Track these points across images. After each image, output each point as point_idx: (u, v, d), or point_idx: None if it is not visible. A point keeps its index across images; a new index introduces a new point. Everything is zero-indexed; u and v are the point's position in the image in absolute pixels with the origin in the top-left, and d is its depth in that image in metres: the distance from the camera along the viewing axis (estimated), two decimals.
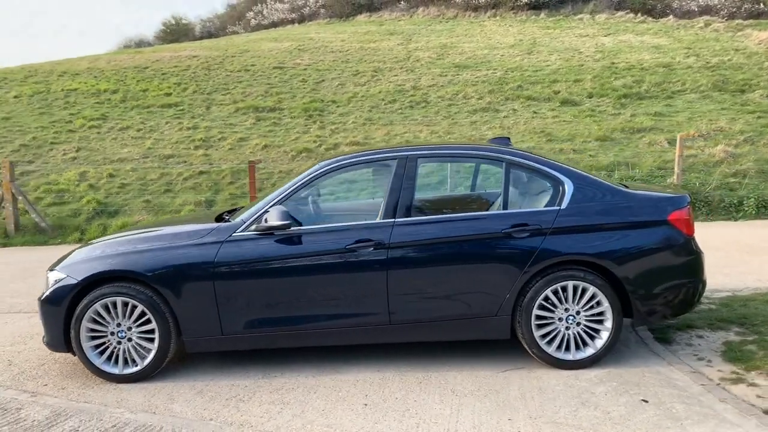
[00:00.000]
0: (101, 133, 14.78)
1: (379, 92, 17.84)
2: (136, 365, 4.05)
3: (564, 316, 4.04)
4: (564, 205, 4.08)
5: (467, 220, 4.10)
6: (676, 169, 9.95)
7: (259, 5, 40.56)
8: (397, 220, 4.05)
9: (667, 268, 4.10)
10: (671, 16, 27.51)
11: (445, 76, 19.41)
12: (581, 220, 4.05)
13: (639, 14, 28.53)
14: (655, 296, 4.08)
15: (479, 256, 4.00)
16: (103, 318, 4.02)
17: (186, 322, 4.00)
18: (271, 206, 4.07)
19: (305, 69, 21.23)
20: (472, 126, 14.48)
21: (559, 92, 16.34)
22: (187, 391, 3.92)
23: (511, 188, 4.19)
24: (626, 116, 14.26)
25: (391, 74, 20.00)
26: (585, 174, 4.27)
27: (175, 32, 44.55)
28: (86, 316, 3.99)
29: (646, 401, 3.56)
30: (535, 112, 15.26)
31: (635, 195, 4.21)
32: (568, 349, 4.05)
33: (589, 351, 4.06)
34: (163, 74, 21.33)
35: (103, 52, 31.66)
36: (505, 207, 4.12)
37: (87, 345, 4.03)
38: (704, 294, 4.37)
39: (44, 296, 4.09)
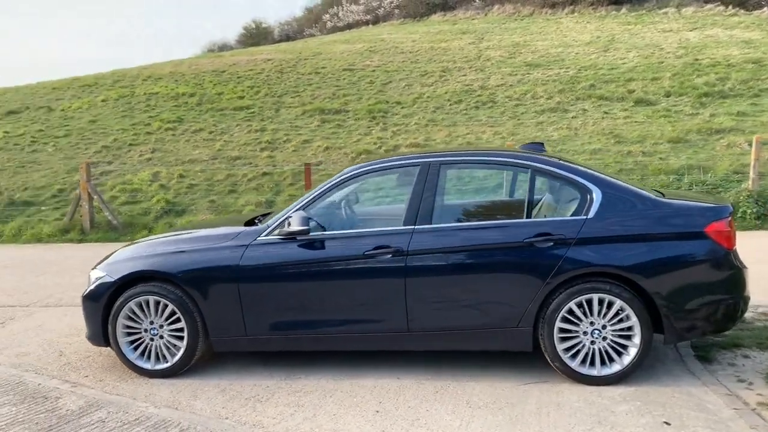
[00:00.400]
0: (176, 135, 15.49)
1: (446, 93, 17.74)
2: (167, 362, 4.24)
3: (589, 330, 3.88)
4: (591, 215, 3.92)
5: (489, 228, 4.01)
6: (751, 173, 9.32)
7: (335, 7, 41.26)
8: (416, 227, 4.02)
9: (703, 284, 3.86)
10: (766, 9, 25.75)
11: (515, 75, 19.04)
12: (608, 230, 3.87)
13: (730, 7, 26.88)
14: (689, 312, 3.85)
15: (500, 265, 3.91)
16: (137, 315, 4.23)
17: (212, 322, 4.15)
18: (294, 211, 4.15)
19: (374, 70, 21.40)
20: (537, 127, 14.13)
21: (633, 91, 15.67)
22: (212, 389, 4.06)
23: (536, 196, 4.08)
24: (705, 116, 13.48)
25: (459, 74, 19.83)
26: (615, 181, 4.08)
27: (255, 36, 45.97)
28: (122, 313, 4.22)
29: (669, 424, 3.36)
30: (606, 113, 14.70)
31: (670, 204, 3.99)
32: (593, 364, 3.89)
33: (616, 367, 3.88)
34: (238, 78, 22.10)
35: (186, 57, 33.16)
36: (528, 215, 4.00)
37: (123, 340, 4.25)
38: (760, 311, 4.08)
39: (86, 293, 4.35)
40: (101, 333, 4.28)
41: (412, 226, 4.02)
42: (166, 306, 4.18)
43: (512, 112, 15.39)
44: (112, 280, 4.23)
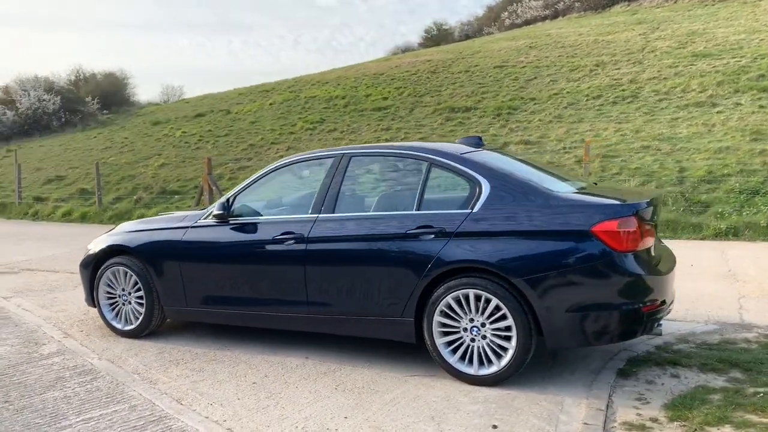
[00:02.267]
0: (312, 135, 16.77)
1: (588, 88, 16.80)
2: (131, 324, 4.93)
3: (469, 326, 3.77)
4: (476, 209, 3.78)
5: (379, 219, 4.06)
6: None
7: (514, 4, 40.57)
8: (320, 215, 4.22)
9: (586, 287, 3.52)
10: None
11: (675, 67, 17.34)
12: (489, 225, 3.71)
13: None
14: (570, 318, 3.54)
15: (386, 255, 3.95)
16: (113, 283, 4.99)
17: (163, 293, 4.74)
18: (224, 198, 4.60)
19: (524, 67, 20.91)
20: (669, 123, 12.84)
21: None
22: (153, 350, 4.61)
23: (430, 189, 4.03)
24: None
25: (612, 68, 18.58)
26: (510, 175, 3.87)
27: (436, 38, 46.93)
28: (102, 280, 5.01)
29: (496, 427, 3.20)
30: (761, 107, 12.85)
31: (564, 200, 3.69)
32: (473, 362, 3.77)
33: (493, 368, 3.70)
34: (392, 79, 23.05)
35: (362, 60, 35.14)
36: (418, 207, 3.98)
37: (103, 303, 5.05)
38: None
39: (81, 262, 5.24)
40: (90, 296, 5.13)
41: (317, 215, 4.24)
42: (131, 276, 4.89)
43: (649, 108, 14.13)
44: (95, 252, 5.07)
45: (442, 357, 3.83)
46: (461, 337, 3.80)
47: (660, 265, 3.87)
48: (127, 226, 5.21)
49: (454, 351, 3.81)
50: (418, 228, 3.84)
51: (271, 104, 22.31)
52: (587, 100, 15.76)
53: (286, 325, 4.39)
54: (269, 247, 4.31)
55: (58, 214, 13.90)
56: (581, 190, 3.99)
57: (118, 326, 5.00)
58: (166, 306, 4.78)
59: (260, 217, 4.48)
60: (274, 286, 4.33)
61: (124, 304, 4.98)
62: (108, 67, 50.07)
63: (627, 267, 3.49)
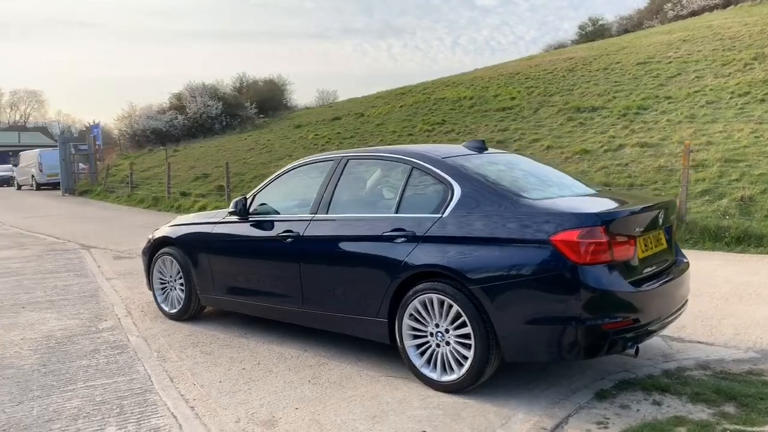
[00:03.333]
0: (431, 135, 16.93)
1: (736, 84, 15.18)
2: (174, 308, 5.50)
3: (434, 331, 3.75)
4: (446, 213, 3.74)
5: (361, 220, 4.14)
6: None
7: None
8: (315, 215, 4.42)
9: (542, 299, 3.34)
10: None
11: None
12: (455, 230, 3.65)
13: None
14: (526, 329, 3.39)
15: (364, 256, 4.04)
16: (164, 270, 5.60)
17: (197, 281, 5.24)
18: (247, 195, 4.97)
19: (670, 62, 19.38)
20: None
21: None
22: (185, 333, 5.14)
23: (411, 192, 4.04)
24: None
25: None
26: (481, 179, 3.77)
27: (591, 34, 44.70)
28: (156, 267, 5.64)
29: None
30: None
31: (530, 206, 3.51)
32: (440, 367, 3.75)
33: (453, 376, 3.65)
34: (526, 78, 22.51)
35: (503, 60, 34.53)
36: (397, 210, 4.02)
37: (155, 287, 5.69)
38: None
39: (142, 249, 5.93)
40: (148, 281, 5.80)
41: (313, 215, 4.44)
42: (175, 265, 5.45)
43: None
44: (151, 241, 5.72)
45: (410, 360, 3.85)
46: (428, 342, 3.79)
47: (647, 279, 3.55)
48: (179, 219, 5.80)
49: (422, 354, 3.82)
50: (393, 231, 3.90)
51: (401, 107, 22.84)
52: (731, 98, 14.24)
53: (285, 318, 4.65)
54: (274, 244, 4.59)
55: (195, 208, 15.48)
56: (573, 197, 3.80)
57: (166, 309, 5.60)
58: (200, 293, 5.27)
59: (270, 216, 4.77)
60: (276, 281, 4.61)
61: (171, 290, 5.56)
62: (277, 73, 53.81)
63: (586, 280, 3.26)
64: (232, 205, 4.92)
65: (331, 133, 20.50)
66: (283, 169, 4.98)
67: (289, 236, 4.47)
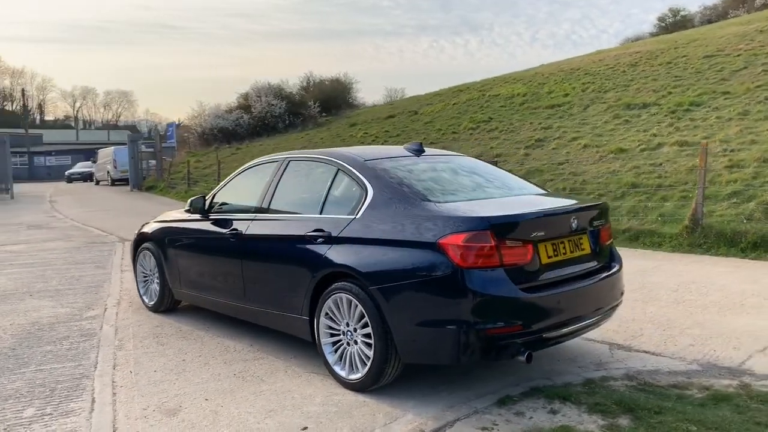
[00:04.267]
0: (474, 134, 16.76)
1: None
2: (153, 300, 5.82)
3: (345, 330, 3.82)
4: (359, 215, 3.80)
5: (291, 220, 4.25)
6: None
7: None
8: (257, 215, 4.58)
9: (430, 302, 3.33)
10: None
11: None
12: (363, 231, 3.68)
13: None
14: (418, 331, 3.39)
15: (291, 255, 4.13)
16: (144, 262, 5.91)
17: (168, 274, 5.52)
18: (206, 195, 5.20)
19: (738, 55, 18.26)
20: None
21: None
22: (153, 323, 5.45)
23: (335, 193, 4.11)
24: None
25: None
26: (392, 182, 3.78)
27: (672, 25, 42.59)
28: (138, 260, 5.99)
29: (305, 428, 3.27)
30: None
31: (430, 209, 3.50)
32: (352, 366, 3.81)
33: (358, 375, 3.70)
34: (585, 74, 21.80)
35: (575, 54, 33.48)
36: (321, 211, 4.10)
37: (138, 278, 6.03)
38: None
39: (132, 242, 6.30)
40: (134, 274, 6.16)
41: (255, 214, 4.60)
42: (152, 259, 5.77)
43: None
44: (135, 236, 6.07)
45: (325, 357, 3.93)
46: (341, 340, 3.86)
47: (552, 285, 3.47)
48: (162, 215, 6.12)
49: (336, 352, 3.89)
50: (314, 231, 3.98)
51: (454, 104, 22.69)
52: None
53: (233, 313, 4.83)
54: (222, 242, 4.78)
55: None
56: (487, 200, 3.77)
57: (146, 301, 5.93)
58: (171, 286, 5.55)
59: (223, 214, 4.97)
60: (225, 277, 4.80)
61: (151, 283, 5.88)
62: (344, 71, 54.59)
63: (470, 284, 3.24)
64: (188, 203, 5.17)
65: (379, 131, 20.67)
66: (240, 169, 5.17)
67: (233, 234, 4.65)
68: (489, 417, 3.36)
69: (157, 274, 5.70)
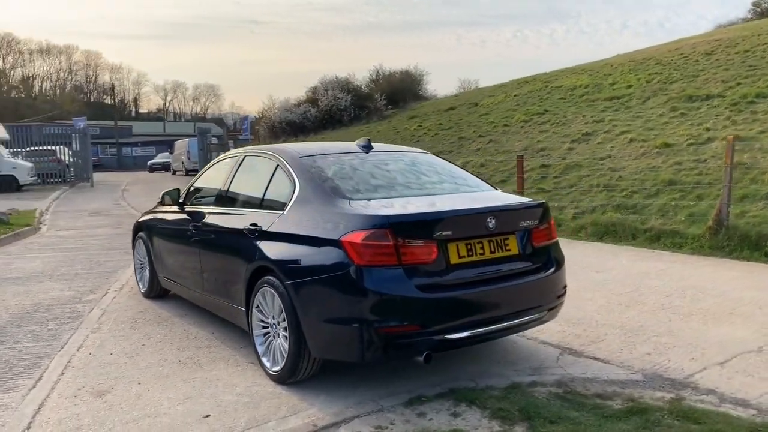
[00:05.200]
0: (524, 126, 16.33)
1: None
2: (144, 287, 6.13)
3: (272, 323, 3.89)
4: (286, 210, 3.85)
5: (235, 214, 4.34)
6: None
7: None
8: (213, 207, 4.73)
9: (332, 298, 3.33)
10: None
11: None
12: (286, 227, 3.73)
13: None
14: (323, 327, 3.40)
15: (232, 248, 4.23)
16: (139, 251, 6.22)
17: (154, 262, 5.79)
18: (179, 188, 5.41)
19: None
20: None
21: None
22: (139, 308, 5.73)
23: (271, 188, 4.16)
24: None
25: None
26: (317, 178, 3.79)
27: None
28: (136, 249, 6.31)
29: (208, 415, 3.38)
30: None
31: (339, 207, 3.49)
32: (275, 359, 3.87)
33: (278, 367, 3.77)
34: (656, 64, 20.71)
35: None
36: (259, 206, 4.18)
37: (136, 267, 6.35)
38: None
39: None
40: (134, 261, 6.50)
41: (212, 207, 4.76)
42: (143, 247, 6.06)
43: None
44: (133, 225, 6.40)
45: (256, 348, 4.02)
46: (269, 332, 3.94)
47: (461, 286, 3.39)
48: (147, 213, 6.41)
49: (264, 344, 3.97)
50: (250, 225, 4.07)
51: (515, 96, 22.16)
52: None
53: (196, 301, 5.03)
54: (186, 233, 4.96)
55: None
56: (410, 198, 3.73)
57: (140, 287, 6.25)
58: (159, 274, 5.82)
59: (189, 206, 5.15)
60: (189, 266, 5.00)
61: (144, 270, 6.19)
62: (414, 64, 54.41)
63: (365, 283, 3.22)
64: (161, 195, 5.40)
65: (433, 123, 20.53)
66: (212, 162, 5.34)
67: (195, 226, 4.82)
68: (390, 416, 3.34)
69: (147, 262, 5.98)
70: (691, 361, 4.03)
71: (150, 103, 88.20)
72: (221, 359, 4.31)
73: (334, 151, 4.33)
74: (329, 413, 3.38)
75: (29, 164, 21.09)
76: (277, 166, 4.19)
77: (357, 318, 3.24)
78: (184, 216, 5.12)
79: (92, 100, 78.23)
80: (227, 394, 3.68)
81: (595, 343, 4.42)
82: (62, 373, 4.11)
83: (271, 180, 4.20)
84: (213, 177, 5.12)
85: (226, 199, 4.66)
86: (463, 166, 13.60)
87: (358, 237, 3.25)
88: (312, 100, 32.31)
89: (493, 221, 3.54)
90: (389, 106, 32.49)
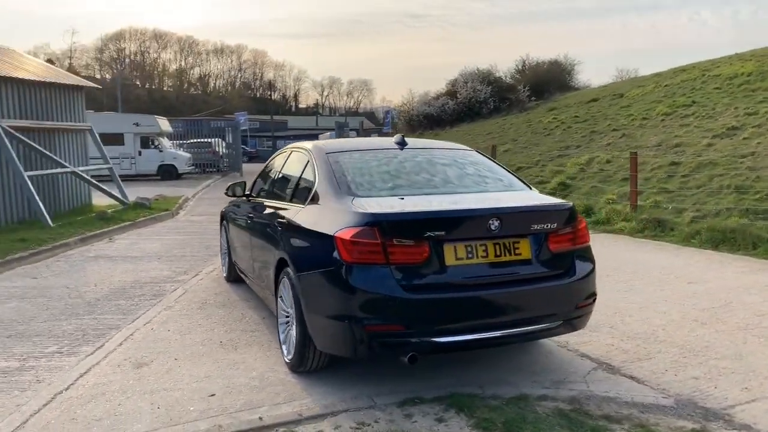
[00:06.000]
0: (665, 121, 14.99)
1: None
2: (225, 272, 6.58)
3: (290, 312, 4.01)
4: (306, 204, 3.94)
5: (273, 206, 4.51)
6: None
7: None
8: (263, 200, 4.96)
9: (325, 293, 3.35)
10: None
11: None
12: (303, 220, 3.79)
13: None
14: (318, 320, 3.44)
15: (266, 240, 4.42)
16: (222, 239, 6.68)
17: (231, 247, 6.21)
18: (245, 181, 5.72)
19: None
20: None
21: None
22: (214, 291, 6.17)
23: (301, 182, 4.26)
24: None
25: None
26: (334, 173, 3.83)
27: None
28: (221, 235, 6.79)
29: (213, 395, 3.58)
30: None
31: (342, 203, 3.49)
32: (290, 348, 3.98)
33: (290, 355, 3.89)
34: None
35: None
36: (291, 199, 4.31)
37: (222, 253, 6.84)
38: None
39: None
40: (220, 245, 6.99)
41: (263, 199, 5.00)
42: (223, 234, 6.52)
43: None
44: (220, 212, 6.88)
45: (278, 336, 4.19)
46: (288, 321, 4.08)
47: (454, 288, 3.27)
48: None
49: (285, 332, 4.11)
50: (279, 218, 4.24)
51: (666, 86, 20.40)
52: None
53: (252, 286, 5.32)
54: (245, 223, 5.27)
55: None
56: (423, 197, 3.66)
57: (222, 270, 6.73)
58: (233, 258, 6.22)
59: (253, 199, 5.43)
60: (245, 254, 5.31)
61: (226, 255, 6.65)
62: (564, 53, 52.12)
63: (352, 279, 3.21)
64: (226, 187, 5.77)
65: (569, 116, 19.53)
66: (271, 157, 5.61)
67: (248, 217, 5.12)
68: (378, 414, 3.31)
69: (227, 248, 6.43)
70: (742, 390, 3.52)
71: (308, 98, 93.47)
72: (257, 343, 4.53)
73: (365, 147, 4.35)
74: (321, 404, 3.43)
75: (188, 155, 23.39)
76: (308, 161, 4.30)
77: (345, 314, 3.26)
78: (247, 207, 5.43)
79: (257, 95, 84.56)
80: (242, 377, 3.87)
81: (640, 361, 4.02)
82: (120, 344, 4.57)
83: (301, 174, 4.33)
84: (269, 171, 5.38)
85: (272, 192, 4.89)
86: (587, 163, 12.87)
87: (348, 234, 3.26)
88: (451, 92, 32.21)
89: (497, 223, 3.35)
90: (532, 98, 31.45)
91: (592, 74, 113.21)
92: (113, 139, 22.82)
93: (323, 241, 3.45)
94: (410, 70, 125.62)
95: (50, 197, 11.31)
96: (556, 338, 4.46)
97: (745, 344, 4.24)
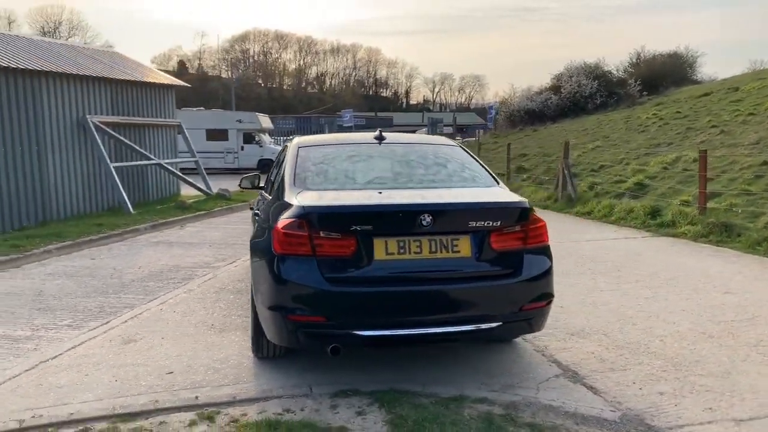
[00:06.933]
0: (746, 124, 13.60)
1: None
2: None
3: None
4: (272, 194, 4.07)
5: (263, 197, 4.69)
6: None
7: None
8: (263, 192, 5.15)
9: (263, 282, 3.44)
10: None
11: None
12: (263, 210, 3.99)
13: None
14: (260, 309, 3.55)
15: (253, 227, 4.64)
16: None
17: None
18: (258, 174, 5.92)
19: None
20: None
21: None
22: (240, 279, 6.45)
23: (278, 176, 4.36)
24: None
25: None
26: (296, 165, 3.93)
27: None
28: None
29: (171, 372, 3.79)
30: None
31: (292, 195, 3.54)
32: None
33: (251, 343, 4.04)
34: None
35: None
36: (270, 189, 4.48)
37: None
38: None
39: None
40: None
41: (262, 191, 5.18)
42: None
43: None
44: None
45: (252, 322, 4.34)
46: None
47: (376, 281, 3.25)
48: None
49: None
50: (257, 210, 4.41)
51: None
52: None
53: None
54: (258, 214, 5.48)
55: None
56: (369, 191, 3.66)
57: None
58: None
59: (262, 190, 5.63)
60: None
61: None
62: (685, 44, 48.67)
63: (278, 269, 3.28)
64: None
65: (670, 112, 18.18)
66: (280, 150, 5.78)
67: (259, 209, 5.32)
68: (308, 402, 3.35)
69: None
70: (704, 411, 3.20)
71: (419, 94, 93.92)
72: (242, 328, 4.70)
73: (342, 141, 4.40)
74: (259, 389, 3.53)
75: None
76: (285, 155, 4.42)
77: (275, 304, 3.33)
78: (258, 198, 5.65)
79: (370, 93, 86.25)
80: (207, 358, 4.06)
81: (612, 371, 3.76)
82: (125, 322, 4.93)
83: (280, 167, 4.45)
84: (274, 164, 5.56)
85: (267, 183, 5.06)
86: (672, 162, 11.95)
87: (280, 225, 3.33)
88: (555, 87, 31.04)
89: (429, 219, 3.26)
90: (644, 93, 29.62)
91: (721, 66, 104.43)
92: (219, 134, 24.32)
93: (269, 232, 3.55)
94: (524, 64, 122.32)
95: (138, 187, 12.31)
96: (535, 342, 4.29)
97: (743, 362, 3.83)
